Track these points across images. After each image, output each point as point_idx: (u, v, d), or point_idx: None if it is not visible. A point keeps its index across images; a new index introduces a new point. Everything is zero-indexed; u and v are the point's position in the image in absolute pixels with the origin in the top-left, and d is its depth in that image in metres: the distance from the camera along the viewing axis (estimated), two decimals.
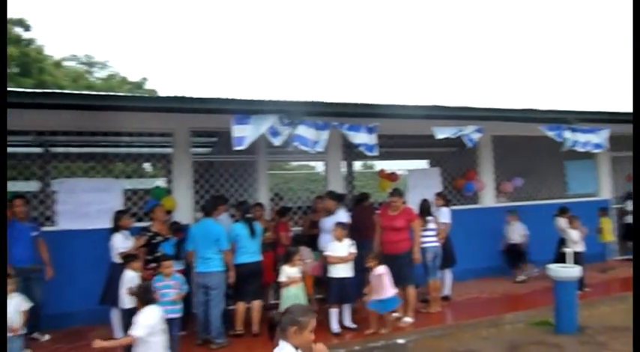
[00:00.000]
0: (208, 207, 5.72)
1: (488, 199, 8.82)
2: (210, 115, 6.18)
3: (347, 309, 6.01)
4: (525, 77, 76.98)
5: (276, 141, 5.68)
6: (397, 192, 6.29)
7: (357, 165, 14.40)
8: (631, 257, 9.43)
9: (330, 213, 6.31)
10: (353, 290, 5.87)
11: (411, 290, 6.13)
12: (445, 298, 7.19)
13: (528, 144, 9.10)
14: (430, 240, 6.63)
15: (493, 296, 7.49)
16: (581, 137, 7.36)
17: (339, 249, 5.81)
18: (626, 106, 7.24)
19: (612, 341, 5.57)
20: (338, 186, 7.77)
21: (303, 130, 5.70)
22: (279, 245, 6.62)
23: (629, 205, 9.29)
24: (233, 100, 5.56)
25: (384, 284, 5.57)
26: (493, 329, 6.19)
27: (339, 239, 5.85)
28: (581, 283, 7.06)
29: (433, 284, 6.67)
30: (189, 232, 5.66)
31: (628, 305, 6.98)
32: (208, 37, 67.36)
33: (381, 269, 5.61)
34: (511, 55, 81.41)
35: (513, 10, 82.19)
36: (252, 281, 5.73)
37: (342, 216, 6.32)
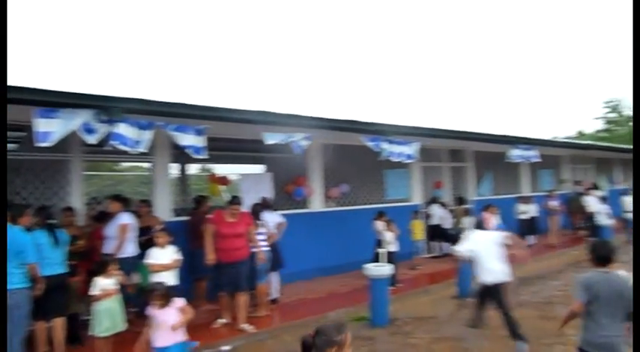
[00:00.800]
0: (14, 212, 4.83)
1: (317, 204, 9.24)
2: (12, 106, 5.32)
3: None
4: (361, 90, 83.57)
5: (91, 139, 5.15)
6: (237, 200, 6.22)
7: (195, 168, 13.97)
8: (436, 255, 10.81)
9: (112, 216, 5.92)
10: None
11: (244, 297, 6.10)
12: (274, 301, 7.31)
13: (354, 153, 9.82)
14: (260, 244, 6.68)
15: (319, 296, 7.84)
16: (396, 148, 8.18)
17: (162, 255, 5.49)
18: (434, 122, 8.24)
19: (416, 330, 6.25)
20: (166, 189, 7.38)
21: (123, 129, 5.26)
22: (95, 254, 6.00)
23: (433, 209, 10.61)
24: (37, 90, 4.86)
25: (169, 327, 4.21)
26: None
27: (162, 245, 5.53)
28: (393, 279, 7.83)
29: (261, 288, 6.73)
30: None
31: (432, 297, 7.97)
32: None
33: (170, 313, 4.26)
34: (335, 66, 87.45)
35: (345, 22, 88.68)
36: (55, 296, 5.03)
37: (125, 218, 5.97)
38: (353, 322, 6.64)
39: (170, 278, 5.50)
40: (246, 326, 6.00)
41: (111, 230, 5.83)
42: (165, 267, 5.46)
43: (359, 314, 6.79)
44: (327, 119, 7.32)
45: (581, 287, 3.45)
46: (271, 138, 6.67)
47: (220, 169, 10.86)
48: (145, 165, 14.70)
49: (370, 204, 10.23)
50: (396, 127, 8.35)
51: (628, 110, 30.51)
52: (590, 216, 13.01)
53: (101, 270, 5.08)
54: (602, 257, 3.52)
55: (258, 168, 13.24)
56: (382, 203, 10.43)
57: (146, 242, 5.99)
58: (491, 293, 5.42)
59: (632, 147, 21.01)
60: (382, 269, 6.48)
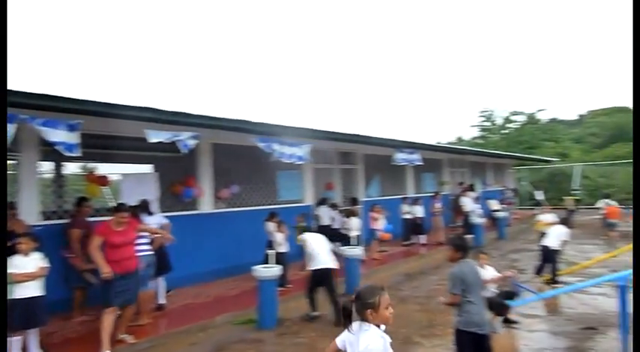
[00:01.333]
0: None
1: (207, 205, 8.97)
2: None
3: (34, 334, 5.13)
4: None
5: None
6: (124, 207, 5.70)
7: (75, 167, 12.86)
8: None
9: None
10: (43, 310, 5.07)
11: (132, 309, 5.71)
12: (160, 307, 6.96)
13: (247, 153, 9.69)
14: (143, 248, 6.31)
15: (207, 300, 7.59)
16: (287, 150, 8.21)
17: (26, 264, 4.95)
18: (326, 125, 8.41)
19: (304, 329, 6.32)
20: (33, 190, 6.65)
21: None
22: None
23: (321, 210, 10.81)
24: None
25: None
26: (202, 333, 6.24)
27: (25, 252, 4.98)
28: (283, 280, 7.84)
29: (144, 295, 6.35)
30: None
31: (321, 296, 8.08)
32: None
33: None
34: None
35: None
36: None
37: None
38: (239, 326, 6.55)
39: (36, 289, 5.00)
40: (127, 337, 5.62)
41: None
42: (29, 276, 4.94)
43: (247, 317, 6.69)
44: (215, 118, 7.10)
45: (456, 279, 3.90)
46: (155, 136, 6.31)
47: (105, 169, 10.07)
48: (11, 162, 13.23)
49: (263, 205, 10.17)
50: (286, 129, 8.38)
51: (500, 119, 33.87)
52: (466, 216, 14.23)
53: None
54: (465, 249, 4.05)
55: (145, 168, 12.55)
56: (275, 204, 10.42)
57: (9, 248, 5.35)
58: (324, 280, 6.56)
59: (503, 152, 23.40)
60: (270, 270, 6.45)
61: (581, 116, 53.70)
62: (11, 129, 5.02)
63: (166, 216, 8.14)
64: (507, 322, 6.06)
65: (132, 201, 7.07)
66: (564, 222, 8.95)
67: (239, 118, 7.54)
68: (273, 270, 6.45)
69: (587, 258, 10.41)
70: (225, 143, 9.12)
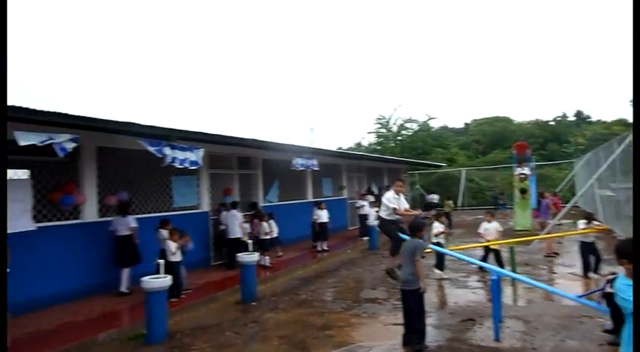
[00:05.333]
0: None
1: (91, 213, 8.31)
2: None
3: None
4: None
5: None
6: None
7: None
8: (223, 262, 10.77)
9: None
10: None
11: None
12: None
13: (138, 158, 9.15)
14: None
15: (90, 317, 7.00)
16: (180, 154, 7.86)
17: None
18: (222, 129, 8.19)
19: (197, 341, 6.06)
20: None
21: None
22: None
23: (222, 217, 10.55)
24: None
25: None
26: None
27: None
28: (177, 291, 7.50)
29: None
30: None
31: (217, 305, 7.88)
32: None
33: None
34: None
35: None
36: None
37: None
38: (126, 342, 6.13)
39: None
40: None
41: None
42: None
43: (135, 332, 6.29)
44: (96, 119, 6.55)
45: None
46: (25, 139, 5.67)
47: None
48: None
49: (156, 212, 9.66)
50: (178, 132, 8.03)
51: (395, 127, 35.64)
52: (364, 218, 14.73)
53: None
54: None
55: (20, 173, 11.32)
56: (169, 211, 9.96)
57: None
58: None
59: (397, 158, 24.65)
60: (160, 280, 6.11)
61: (466, 124, 58.37)
62: None
63: (43, 226, 7.46)
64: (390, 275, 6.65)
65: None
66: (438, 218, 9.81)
67: (124, 120, 7.07)
68: (162, 281, 6.11)
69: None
70: (112, 146, 8.53)
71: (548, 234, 11.20)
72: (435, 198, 20.26)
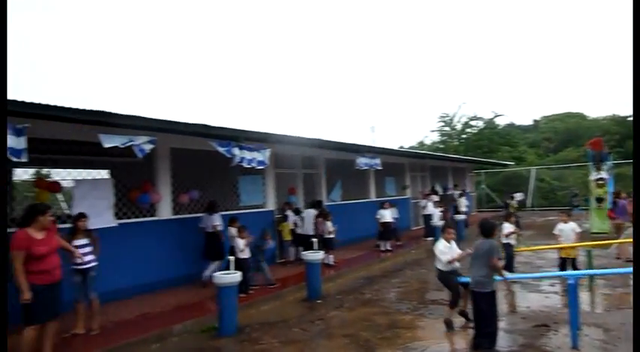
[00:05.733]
0: None
1: (166, 211, 8.77)
2: None
3: None
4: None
5: None
6: (49, 208, 5.27)
7: (28, 173, 12.31)
8: (290, 259, 10.98)
9: None
10: None
11: (57, 324, 5.27)
12: None
13: (207, 158, 9.54)
14: (91, 257, 6.17)
15: (166, 308, 7.39)
16: (248, 154, 8.13)
17: None
18: (286, 129, 8.38)
19: (265, 336, 6.24)
20: None
21: None
22: None
23: (288, 215, 10.76)
24: None
25: None
26: (161, 342, 6.09)
27: None
28: (245, 286, 7.75)
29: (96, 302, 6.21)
30: None
31: (283, 301, 8.07)
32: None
33: None
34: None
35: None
36: None
37: None
38: (200, 334, 6.42)
39: None
40: None
41: None
42: None
43: (207, 325, 6.57)
44: (174, 122, 6.93)
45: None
46: (109, 141, 6.11)
47: (58, 174, 9.65)
48: None
49: (224, 210, 10.02)
50: (247, 133, 8.30)
51: (459, 125, 34.74)
52: (428, 218, 14.47)
53: None
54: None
55: (102, 173, 12.16)
56: (236, 209, 10.30)
57: None
58: None
59: (462, 157, 24.00)
60: (230, 276, 6.35)
61: (535, 121, 55.76)
62: None
63: (124, 222, 7.96)
64: (464, 316, 6.24)
65: (84, 207, 6.85)
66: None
67: (197, 122, 7.41)
68: (233, 276, 6.35)
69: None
70: (184, 147, 8.95)
71: (626, 237, 10.46)
72: (518, 196, 19.57)
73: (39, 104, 5.39)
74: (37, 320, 4.89)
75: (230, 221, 8.63)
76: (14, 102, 5.16)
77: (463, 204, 17.95)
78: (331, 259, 10.53)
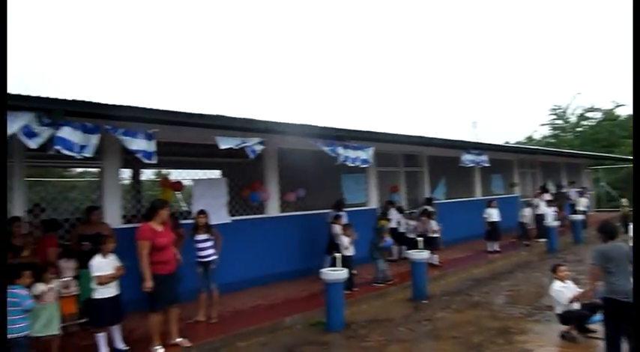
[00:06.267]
0: None
1: (273, 209, 9.18)
2: None
3: (117, 330, 5.48)
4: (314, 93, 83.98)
5: (32, 144, 4.88)
6: (167, 204, 5.74)
7: (150, 173, 13.63)
8: (392, 258, 10.92)
9: None
10: (121, 308, 5.41)
11: (178, 310, 5.76)
12: None
13: (311, 157, 9.84)
14: (211, 251, 6.64)
15: (275, 302, 7.76)
16: (352, 153, 8.24)
17: (106, 265, 5.28)
18: (389, 127, 8.37)
19: (372, 333, 6.29)
20: (116, 195, 7.14)
21: (67, 132, 5.03)
22: (44, 263, 5.69)
23: (391, 213, 10.69)
24: None
25: None
26: (273, 333, 6.40)
27: (106, 253, 5.33)
28: (349, 283, 7.86)
29: (216, 294, 6.69)
30: None
31: (388, 300, 8.07)
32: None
33: None
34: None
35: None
36: None
37: None
38: (308, 327, 6.64)
39: (116, 288, 5.35)
40: (182, 340, 5.67)
41: None
42: (112, 278, 5.27)
43: (315, 319, 6.78)
44: (282, 123, 7.27)
45: (599, 255, 4.47)
46: (225, 143, 6.57)
47: (176, 175, 10.59)
48: (97, 170, 14.23)
49: (328, 208, 10.25)
50: (352, 132, 8.41)
51: (573, 117, 32.06)
52: (540, 218, 13.54)
53: (40, 277, 5.02)
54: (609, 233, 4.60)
55: (214, 173, 13.06)
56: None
57: (92, 249, 5.74)
58: None
59: (577, 151, 22.12)
60: (337, 273, 6.49)
61: None
62: (95, 139, 5.41)
63: (236, 219, 8.48)
64: (584, 331, 5.70)
65: (202, 204, 7.42)
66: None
67: (304, 123, 7.67)
68: (340, 273, 6.48)
69: None
70: (290, 147, 9.30)
71: None
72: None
73: (168, 111, 5.95)
74: (159, 306, 5.37)
75: (334, 218, 8.80)
76: (144, 109, 5.75)
77: (582, 203, 16.54)
78: (436, 259, 10.30)
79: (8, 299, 4.33)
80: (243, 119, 6.72)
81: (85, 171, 17.89)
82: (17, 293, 4.56)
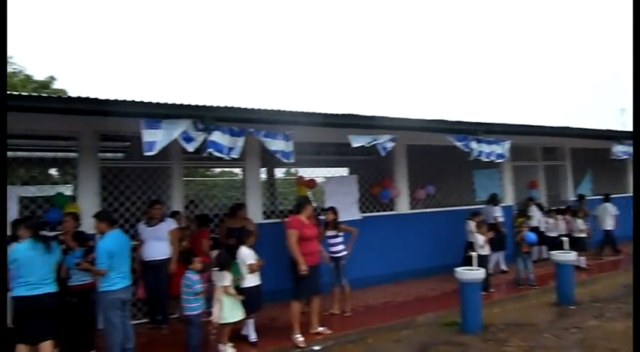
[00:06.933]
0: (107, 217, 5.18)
1: (403, 206, 9.13)
2: (120, 118, 5.83)
3: (252, 319, 5.89)
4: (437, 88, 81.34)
5: (190, 147, 5.49)
6: (309, 200, 6.15)
7: (280, 172, 14.41)
8: (533, 259, 10.18)
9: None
10: (261, 297, 5.82)
11: (319, 300, 6.06)
12: None
13: (440, 153, 9.60)
14: (341, 247, 6.83)
15: (407, 299, 7.73)
16: (486, 147, 7.85)
17: (251, 255, 5.75)
18: (525, 119, 7.84)
19: (513, 338, 5.94)
20: (257, 192, 7.70)
21: (217, 136, 5.55)
22: (198, 254, 6.39)
23: (532, 211, 9.95)
24: (142, 103, 5.28)
25: None
26: (406, 331, 6.39)
27: (251, 245, 5.80)
28: (485, 284, 7.52)
29: (346, 287, 6.87)
30: (104, 245, 4.87)
31: (529, 303, 7.57)
32: (123, 38, 64.60)
33: None
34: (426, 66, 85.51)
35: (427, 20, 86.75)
36: (40, 319, 4.58)
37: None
38: (443, 327, 6.50)
39: (258, 278, 5.78)
40: (323, 329, 5.98)
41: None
42: (259, 266, 5.73)
43: (451, 319, 6.61)
44: (413, 119, 7.22)
45: None
46: (357, 141, 6.71)
47: (304, 173, 11.06)
48: (234, 170, 15.46)
49: (459, 205, 9.91)
50: (486, 125, 8.01)
51: None
52: None
53: (224, 266, 5.48)
54: None
55: (341, 171, 13.37)
56: (471, 204, 10.06)
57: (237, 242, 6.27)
58: None
59: None
60: (474, 273, 6.25)
61: None
62: (240, 141, 5.88)
63: (366, 216, 8.61)
64: None
65: (334, 201, 7.65)
66: None
67: (435, 118, 7.51)
68: (477, 273, 6.24)
69: None
70: (419, 143, 9.16)
71: None
72: None
73: (307, 112, 6.28)
74: (303, 295, 5.72)
75: (471, 215, 8.44)
76: (285, 112, 6.12)
77: None
78: (583, 261, 9.38)
79: (184, 282, 5.23)
80: (373, 116, 6.79)
81: (223, 171, 19.53)
82: (190, 277, 5.26)
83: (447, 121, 7.52)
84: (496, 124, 8.28)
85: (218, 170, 20.23)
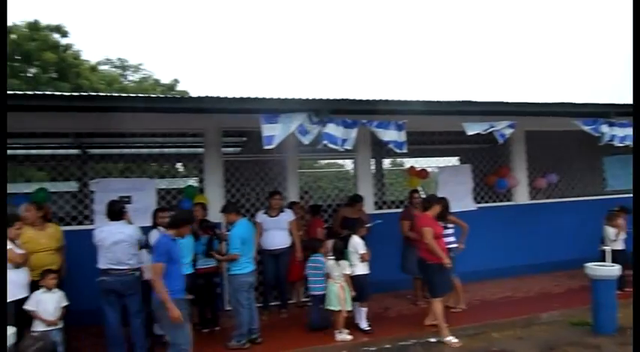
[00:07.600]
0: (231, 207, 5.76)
1: (522, 196, 8.61)
2: (240, 115, 6.23)
3: (364, 307, 5.96)
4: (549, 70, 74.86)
5: (306, 140, 5.67)
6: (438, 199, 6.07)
7: (386, 162, 14.34)
8: None
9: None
10: (370, 287, 5.90)
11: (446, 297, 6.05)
12: None
13: (562, 139, 8.86)
14: (451, 239, 6.57)
15: (527, 295, 7.33)
16: (619, 131, 7.07)
17: (363, 245, 5.85)
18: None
19: None
20: (368, 184, 7.77)
21: (331, 128, 5.67)
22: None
23: None
24: (263, 100, 5.57)
25: None
26: (528, 328, 6.07)
27: (362, 236, 5.89)
28: (621, 282, 6.83)
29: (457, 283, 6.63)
30: (237, 233, 5.40)
31: None
32: (236, 39, 68.38)
33: None
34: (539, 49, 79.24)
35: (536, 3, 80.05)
36: None
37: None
38: (570, 326, 6.08)
39: (367, 268, 5.86)
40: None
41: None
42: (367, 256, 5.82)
43: (579, 319, 6.14)
44: (535, 103, 6.72)
45: None
46: (472, 129, 6.40)
47: (412, 163, 10.87)
48: (340, 161, 15.68)
49: (586, 196, 9.09)
50: (618, 107, 7.22)
51: None
52: None
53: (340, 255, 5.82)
54: None
55: (451, 161, 12.90)
56: (601, 195, 9.18)
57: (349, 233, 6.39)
58: None
59: None
60: (608, 269, 5.72)
61: None
62: (353, 133, 5.94)
63: (481, 207, 8.26)
64: None
65: (447, 192, 7.41)
66: None
67: (559, 101, 6.94)
68: (612, 270, 5.70)
69: None
70: (538, 130, 8.54)
71: None
72: None
73: (419, 101, 6.18)
74: (440, 293, 5.68)
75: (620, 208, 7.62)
76: (399, 101, 6.08)
77: None
78: None
79: (312, 264, 5.88)
80: (491, 102, 6.48)
81: (329, 163, 19.91)
82: (319, 259, 5.83)
83: (573, 104, 6.90)
84: (630, 105, 7.42)
85: (324, 162, 20.69)
